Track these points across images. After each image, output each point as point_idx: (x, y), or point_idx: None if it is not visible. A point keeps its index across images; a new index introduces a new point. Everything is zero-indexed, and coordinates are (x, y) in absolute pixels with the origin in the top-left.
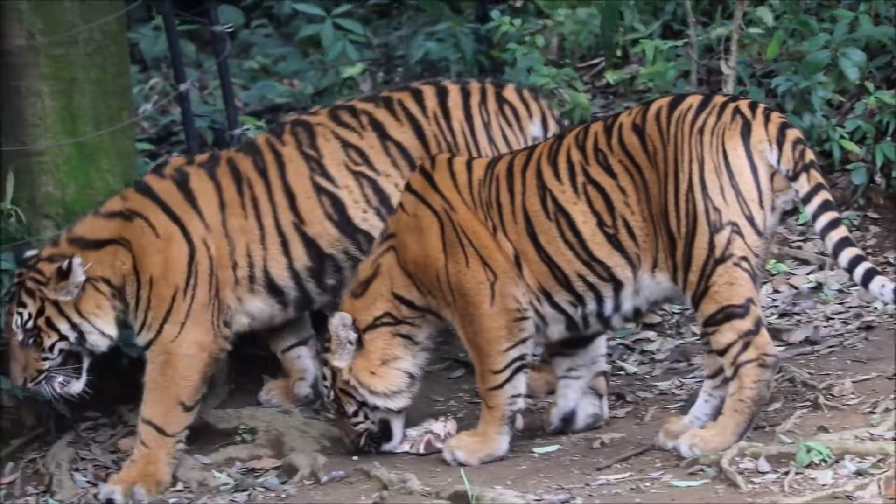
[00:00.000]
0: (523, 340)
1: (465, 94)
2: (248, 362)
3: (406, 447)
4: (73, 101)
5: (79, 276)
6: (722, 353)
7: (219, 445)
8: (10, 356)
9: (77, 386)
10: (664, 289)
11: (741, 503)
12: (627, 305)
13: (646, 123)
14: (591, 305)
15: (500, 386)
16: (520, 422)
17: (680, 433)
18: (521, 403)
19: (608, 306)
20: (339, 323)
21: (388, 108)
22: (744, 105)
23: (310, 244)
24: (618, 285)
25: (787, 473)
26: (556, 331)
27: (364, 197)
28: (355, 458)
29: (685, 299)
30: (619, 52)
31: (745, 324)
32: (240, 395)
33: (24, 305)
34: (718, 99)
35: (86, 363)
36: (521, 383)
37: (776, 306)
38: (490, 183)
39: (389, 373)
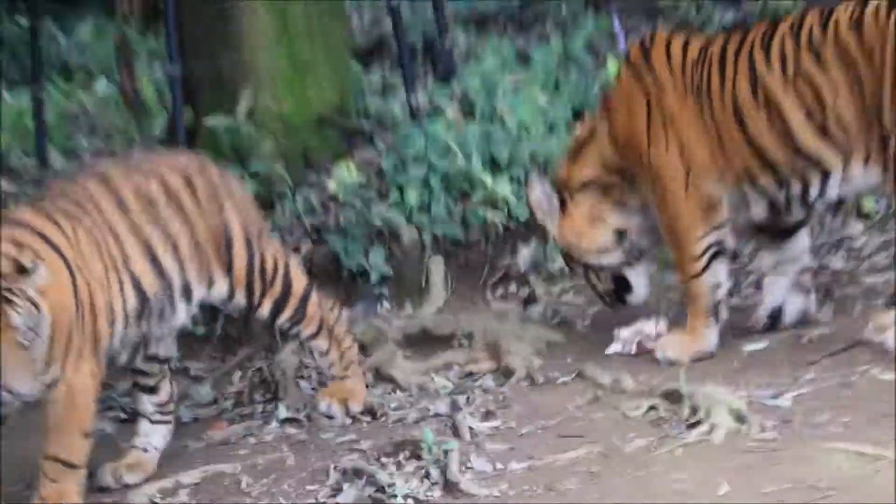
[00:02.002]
0: (718, 227)
1: None
2: (465, 268)
3: (618, 348)
4: (289, 17)
5: None
6: None
7: (437, 350)
8: None
9: None
10: (875, 182)
11: None
12: (833, 192)
13: (864, 20)
14: (796, 189)
15: (700, 274)
16: (724, 314)
17: (888, 326)
18: (723, 293)
19: (813, 192)
20: (539, 190)
21: None
22: None
23: None
24: (826, 173)
25: None
26: (758, 212)
27: None
28: (570, 359)
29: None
30: None
31: None
32: (456, 301)
33: None
34: None
35: None
36: (720, 272)
37: None
38: (703, 65)
39: (595, 232)
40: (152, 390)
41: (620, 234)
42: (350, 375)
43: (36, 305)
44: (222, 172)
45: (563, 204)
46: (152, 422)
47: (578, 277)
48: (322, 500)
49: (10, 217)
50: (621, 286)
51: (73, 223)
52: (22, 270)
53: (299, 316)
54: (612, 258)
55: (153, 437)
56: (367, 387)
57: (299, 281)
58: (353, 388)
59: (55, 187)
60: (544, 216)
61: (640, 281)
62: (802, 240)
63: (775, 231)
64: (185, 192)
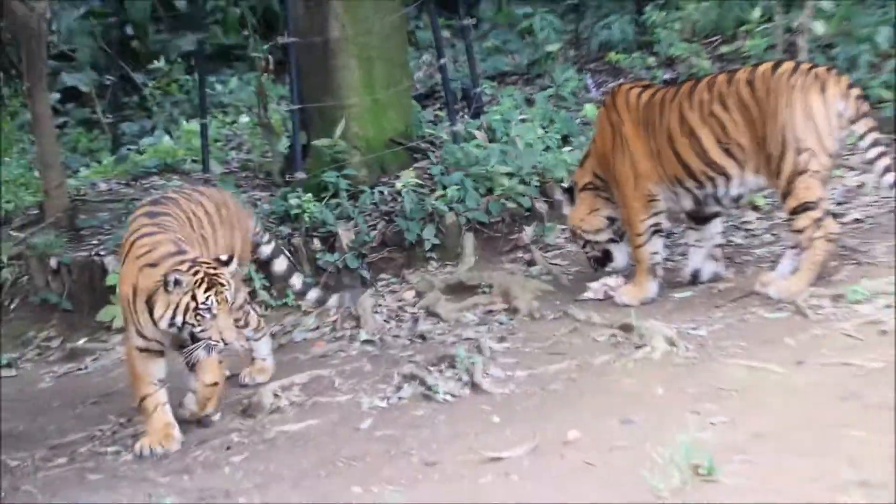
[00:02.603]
0: (656, 213)
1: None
2: (488, 241)
3: (590, 295)
4: (371, 72)
5: None
6: (800, 232)
7: (467, 296)
8: None
9: None
10: (761, 185)
11: (810, 328)
12: (735, 192)
13: (755, 78)
14: (710, 189)
15: (643, 245)
16: (660, 272)
17: (771, 283)
18: (659, 258)
19: (722, 191)
20: (561, 192)
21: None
22: (822, 70)
23: None
24: (729, 178)
25: (840, 306)
26: (686, 204)
27: None
28: (557, 302)
29: (778, 196)
30: (730, 32)
31: (817, 213)
32: (481, 263)
33: None
34: (805, 65)
35: None
36: (657, 244)
37: (833, 198)
38: (649, 107)
39: (593, 218)
40: (246, 325)
41: (611, 220)
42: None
43: (231, 285)
44: (236, 202)
45: (574, 199)
46: (255, 339)
47: (579, 249)
48: (388, 395)
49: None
50: (607, 256)
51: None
52: (223, 262)
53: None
54: (603, 236)
55: (262, 349)
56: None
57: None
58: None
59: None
60: (565, 207)
61: (620, 254)
62: (716, 224)
63: (698, 217)
64: (216, 214)
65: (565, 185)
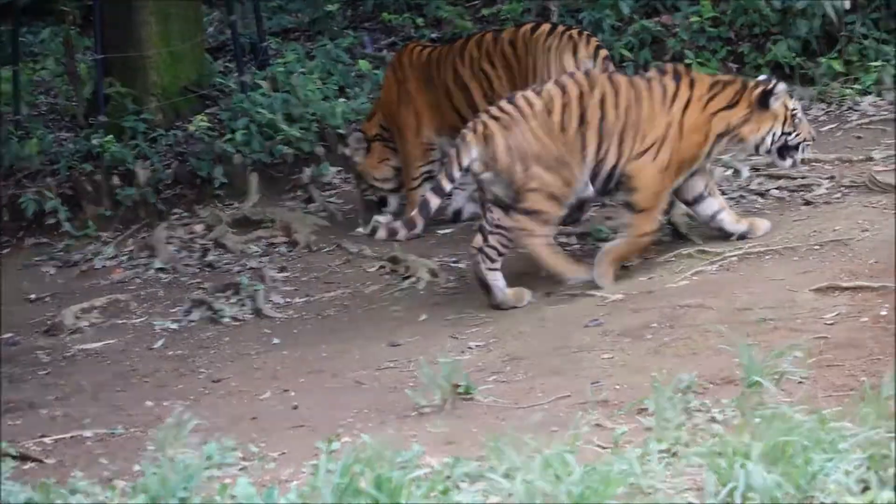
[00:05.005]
0: (431, 162)
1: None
2: (271, 180)
3: (364, 231)
4: (168, 26)
5: None
6: None
7: (252, 230)
8: None
9: None
10: None
11: None
12: None
13: (517, 38)
14: None
15: (416, 188)
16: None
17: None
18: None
19: None
20: (353, 139)
21: None
22: (574, 32)
23: None
24: None
25: (586, 243)
26: None
27: None
28: (332, 236)
29: None
30: None
31: None
32: (265, 199)
33: None
34: (560, 28)
35: None
36: (427, 188)
37: None
38: (429, 64)
39: (384, 168)
40: None
41: (397, 170)
42: None
43: None
44: None
45: (367, 148)
46: None
47: (357, 191)
48: (179, 318)
49: None
50: (383, 202)
51: None
52: None
53: None
54: (389, 185)
55: None
56: None
57: None
58: None
59: None
60: (354, 154)
61: (395, 200)
62: None
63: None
64: None
65: (342, 131)
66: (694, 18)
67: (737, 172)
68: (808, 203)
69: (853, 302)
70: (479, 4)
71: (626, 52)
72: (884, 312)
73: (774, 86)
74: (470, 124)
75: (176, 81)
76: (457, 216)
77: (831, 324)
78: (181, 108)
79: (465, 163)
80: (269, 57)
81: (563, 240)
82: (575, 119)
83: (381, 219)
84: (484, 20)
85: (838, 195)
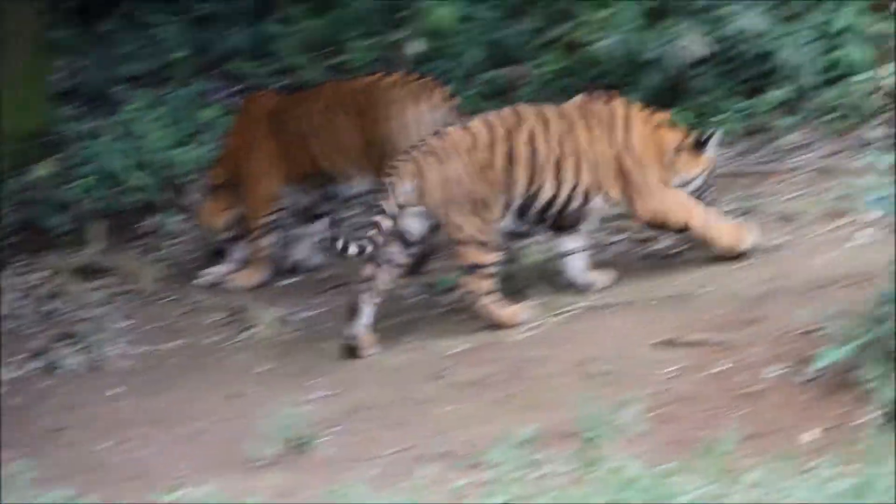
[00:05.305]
0: (276, 211)
1: None
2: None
3: (209, 280)
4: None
5: None
6: None
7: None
8: None
9: None
10: (375, 186)
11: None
12: (351, 192)
13: (366, 88)
14: (330, 189)
15: (259, 238)
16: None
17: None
18: (272, 251)
19: (341, 190)
20: (196, 186)
21: None
22: (425, 81)
23: None
24: (347, 178)
25: (430, 295)
26: (312, 199)
27: None
28: (176, 284)
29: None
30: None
31: None
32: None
33: None
34: (409, 77)
35: None
36: (271, 238)
37: None
38: (279, 113)
39: (224, 215)
40: None
41: (238, 218)
42: None
43: None
44: None
45: (209, 196)
46: None
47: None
48: (20, 367)
49: None
50: (222, 252)
51: None
52: None
53: None
54: (229, 232)
55: None
56: None
57: None
58: None
59: None
60: (196, 201)
61: (236, 249)
62: (323, 221)
63: (308, 214)
64: None
65: (188, 179)
66: (542, 69)
67: None
68: (650, 256)
69: (692, 356)
70: (329, 53)
71: (476, 102)
72: (722, 367)
73: (713, 133)
74: (403, 157)
75: (20, 127)
76: (297, 267)
77: (671, 377)
78: (26, 154)
79: (401, 198)
80: (117, 103)
81: (407, 290)
82: (501, 157)
83: (222, 268)
84: (334, 69)
85: (680, 249)
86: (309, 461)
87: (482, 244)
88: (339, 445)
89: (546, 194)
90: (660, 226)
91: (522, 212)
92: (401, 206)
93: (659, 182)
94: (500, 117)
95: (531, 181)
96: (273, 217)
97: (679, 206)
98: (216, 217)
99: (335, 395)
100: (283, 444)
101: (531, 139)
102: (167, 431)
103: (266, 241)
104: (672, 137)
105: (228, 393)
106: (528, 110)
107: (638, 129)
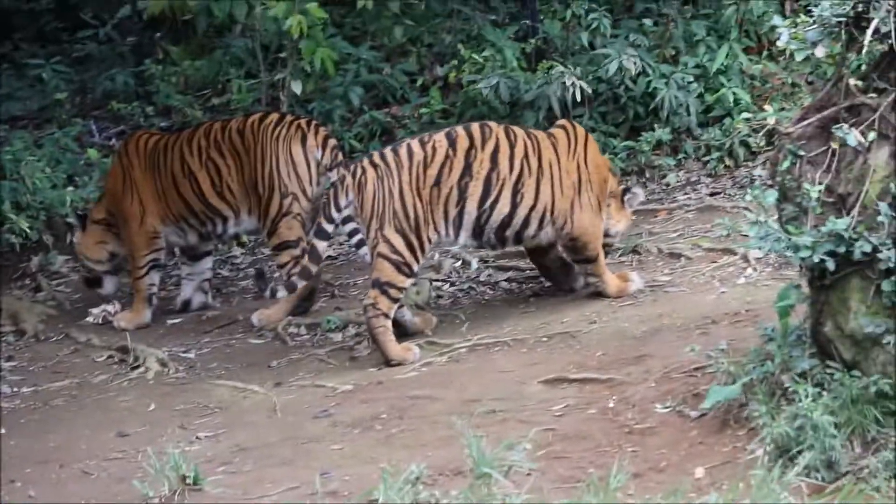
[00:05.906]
0: (157, 250)
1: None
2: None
3: (90, 320)
4: None
5: None
6: (282, 267)
7: None
8: None
9: None
10: (256, 225)
11: (288, 353)
12: (231, 231)
13: (246, 128)
14: (210, 227)
15: (142, 277)
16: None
17: (254, 311)
18: (155, 289)
19: (220, 229)
20: (77, 226)
21: None
22: (303, 122)
23: None
24: (226, 218)
25: (315, 334)
26: (192, 239)
27: None
28: (61, 325)
29: (263, 234)
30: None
31: (296, 251)
32: None
33: None
34: (289, 117)
35: None
36: (155, 277)
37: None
38: (156, 153)
39: (99, 250)
40: None
41: (113, 255)
42: None
43: None
44: None
45: (85, 228)
46: None
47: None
48: None
49: None
50: (97, 282)
51: None
52: None
53: None
54: (102, 267)
55: None
56: None
57: None
58: None
59: None
60: (76, 234)
61: (110, 283)
62: (207, 261)
63: (192, 254)
64: None
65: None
66: (423, 109)
67: (466, 264)
68: (536, 295)
69: (581, 394)
70: (210, 94)
71: (355, 143)
72: (611, 404)
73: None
74: (352, 167)
75: None
76: (186, 306)
77: (559, 415)
78: None
79: (343, 204)
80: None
81: (293, 330)
82: (456, 172)
83: (107, 308)
84: (214, 109)
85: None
86: (198, 500)
87: (404, 265)
88: (228, 485)
89: (501, 211)
90: (580, 247)
91: (478, 230)
92: (340, 215)
93: (597, 207)
94: (466, 133)
95: (485, 197)
96: (153, 256)
97: (599, 239)
98: (93, 249)
99: (222, 434)
100: (171, 483)
101: (494, 154)
102: (55, 471)
103: (148, 281)
104: (613, 180)
105: (116, 432)
106: (497, 129)
107: (593, 152)
